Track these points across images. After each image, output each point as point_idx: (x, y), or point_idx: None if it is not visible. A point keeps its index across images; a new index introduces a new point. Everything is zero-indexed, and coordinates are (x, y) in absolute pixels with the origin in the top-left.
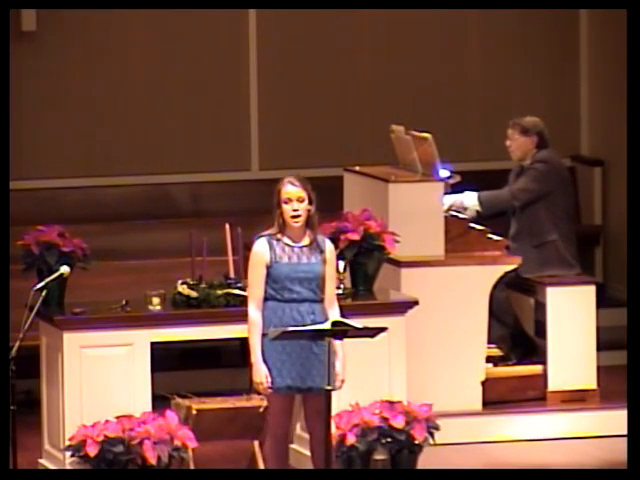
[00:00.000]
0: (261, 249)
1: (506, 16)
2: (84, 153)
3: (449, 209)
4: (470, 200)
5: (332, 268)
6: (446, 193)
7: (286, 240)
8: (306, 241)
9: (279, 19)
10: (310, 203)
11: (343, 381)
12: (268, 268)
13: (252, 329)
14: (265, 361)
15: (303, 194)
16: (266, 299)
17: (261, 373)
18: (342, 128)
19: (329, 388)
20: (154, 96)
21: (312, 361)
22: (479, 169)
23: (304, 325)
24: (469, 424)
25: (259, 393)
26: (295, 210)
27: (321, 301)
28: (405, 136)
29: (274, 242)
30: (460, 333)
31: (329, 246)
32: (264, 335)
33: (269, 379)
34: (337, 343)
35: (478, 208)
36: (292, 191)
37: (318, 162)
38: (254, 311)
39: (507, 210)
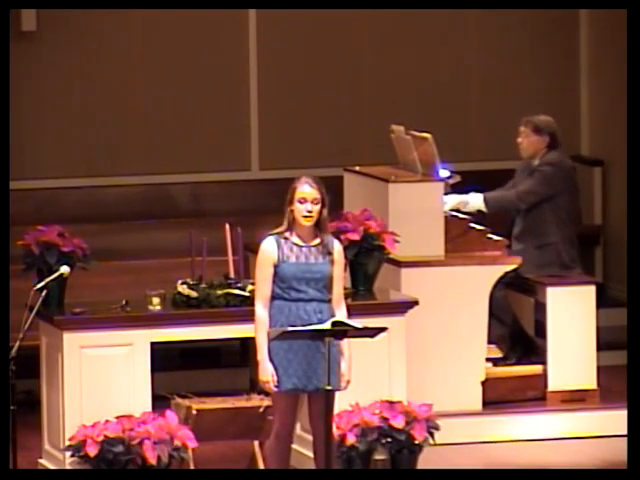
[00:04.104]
0: (269, 247)
1: (506, 16)
2: (84, 153)
3: (454, 209)
4: (476, 200)
5: (340, 269)
6: (446, 193)
7: (294, 239)
8: (315, 242)
9: (279, 19)
10: (323, 206)
11: (349, 382)
12: (275, 267)
13: (258, 327)
14: (271, 360)
15: (318, 196)
16: (273, 298)
17: (267, 372)
18: (342, 128)
19: (328, 388)
20: (154, 96)
21: (319, 360)
22: (480, 169)
23: (311, 324)
24: (469, 424)
25: (264, 392)
26: (309, 211)
27: (329, 301)
28: (405, 136)
29: (282, 241)
30: (460, 333)
31: (337, 247)
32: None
33: (275, 378)
34: (344, 343)
35: (484, 209)
36: (308, 192)
37: (318, 162)
38: (261, 309)
39: (512, 210)
